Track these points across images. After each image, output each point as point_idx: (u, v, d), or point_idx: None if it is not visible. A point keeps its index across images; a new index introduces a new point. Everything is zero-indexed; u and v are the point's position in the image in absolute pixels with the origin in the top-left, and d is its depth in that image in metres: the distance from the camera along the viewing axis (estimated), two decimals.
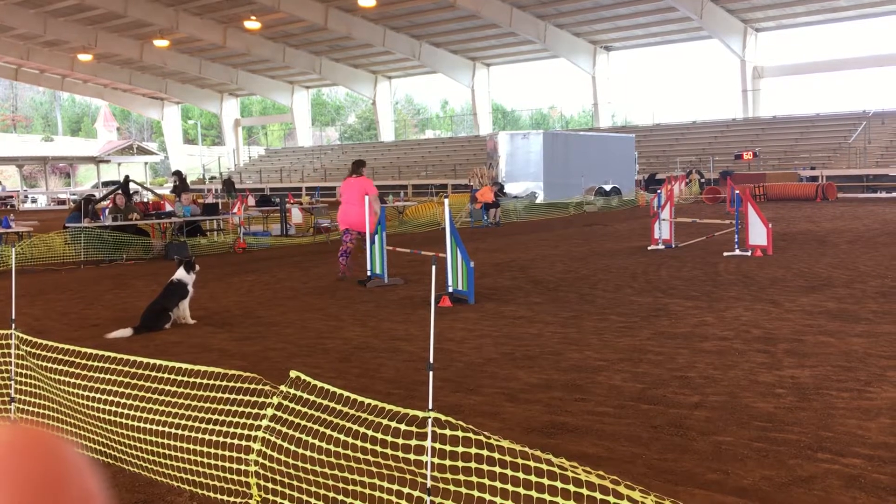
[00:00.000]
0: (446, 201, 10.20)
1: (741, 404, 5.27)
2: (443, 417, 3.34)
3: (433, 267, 3.64)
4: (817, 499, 3.77)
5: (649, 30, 48.21)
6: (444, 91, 75.75)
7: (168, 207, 20.50)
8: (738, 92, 48.01)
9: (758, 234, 13.77)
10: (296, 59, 56.87)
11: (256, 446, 3.87)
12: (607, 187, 33.14)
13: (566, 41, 50.03)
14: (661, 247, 15.20)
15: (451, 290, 9.82)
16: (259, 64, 60.02)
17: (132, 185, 32.97)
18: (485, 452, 3.33)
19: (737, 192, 14.65)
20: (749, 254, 13.55)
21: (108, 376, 4.72)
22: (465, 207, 25.32)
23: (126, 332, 8.49)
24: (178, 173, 22.89)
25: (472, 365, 6.66)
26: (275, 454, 3.85)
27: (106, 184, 35.77)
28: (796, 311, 8.45)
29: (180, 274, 9.10)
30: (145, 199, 27.56)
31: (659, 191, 19.01)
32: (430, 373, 3.42)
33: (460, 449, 3.32)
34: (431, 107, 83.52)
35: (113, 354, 4.84)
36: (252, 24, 46.43)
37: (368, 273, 11.63)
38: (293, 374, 3.97)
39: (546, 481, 3.11)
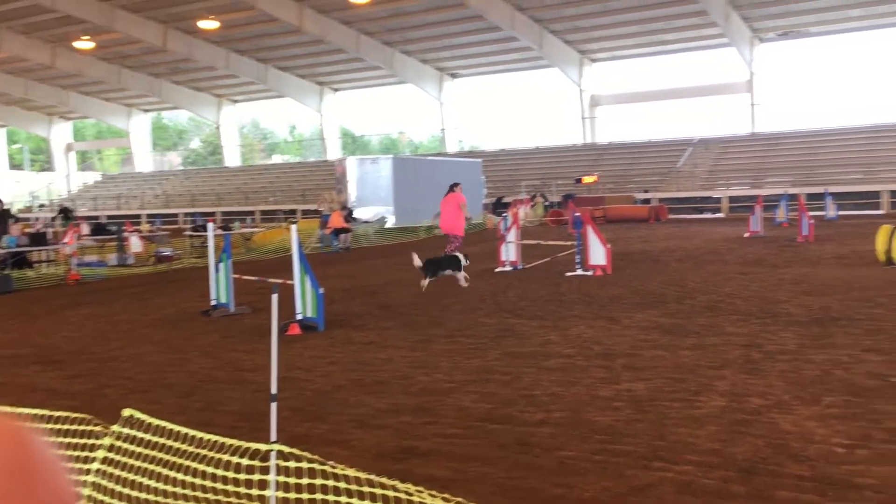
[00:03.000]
0: (293, 227, 10.04)
1: (583, 419, 5.47)
2: (286, 449, 3.25)
3: (274, 295, 3.56)
4: None
5: (493, 58, 49.79)
6: (292, 115, 74.87)
7: None
8: (578, 119, 50.39)
9: (598, 254, 14.42)
10: (133, 81, 54.57)
11: (86, 492, 3.62)
12: None
13: (413, 67, 50.80)
14: (508, 268, 15.61)
15: (300, 317, 9.65)
16: (93, 86, 57.12)
17: None
18: (331, 483, 3.26)
19: (578, 214, 15.30)
20: (590, 273, 14.16)
21: None
22: (315, 233, 25.05)
23: (419, 261, 12.50)
24: None
25: (322, 393, 6.56)
26: (106, 499, 3.61)
27: None
28: (633, 328, 8.89)
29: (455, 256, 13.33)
30: None
31: (505, 214, 19.54)
32: (273, 404, 3.33)
33: (305, 481, 3.24)
34: (279, 131, 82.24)
35: None
36: (84, 45, 44.16)
37: (213, 302, 11.24)
38: (126, 412, 3.75)
39: None
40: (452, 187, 16.98)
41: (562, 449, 4.85)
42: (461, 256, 13.27)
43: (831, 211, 29.04)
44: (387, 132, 75.77)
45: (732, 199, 37.89)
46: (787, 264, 14.78)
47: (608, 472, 4.44)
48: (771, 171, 40.14)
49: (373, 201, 32.11)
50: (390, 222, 31.46)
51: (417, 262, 12.50)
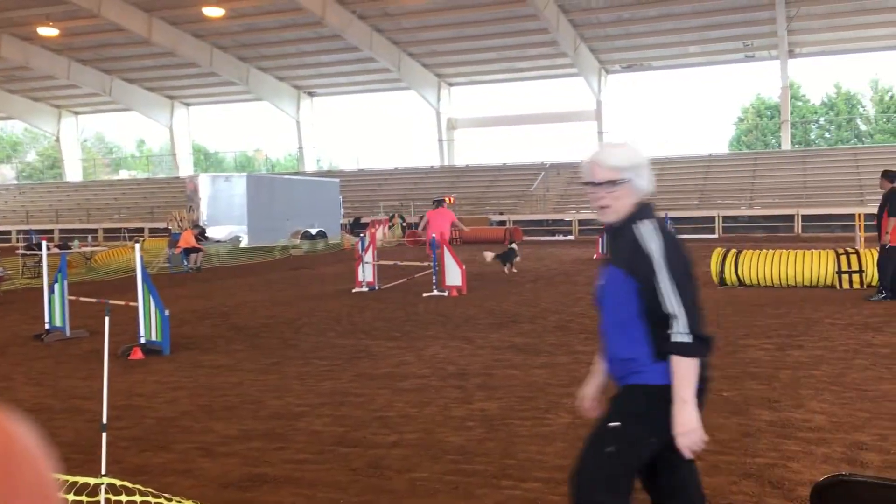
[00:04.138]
0: (137, 246, 9.55)
1: (435, 439, 5.46)
2: (118, 482, 3.04)
3: (107, 318, 3.34)
4: None
5: (352, 78, 49.76)
6: (140, 129, 71.65)
7: None
8: (435, 141, 51.10)
9: (453, 275, 14.59)
10: None
11: None
12: (313, 231, 33.34)
13: (270, 85, 49.98)
14: (365, 289, 15.52)
15: (143, 340, 9.17)
16: None
17: None
18: None
19: (434, 235, 15.44)
20: (446, 294, 14.29)
21: None
22: (164, 252, 24.01)
23: (491, 255, 16.89)
24: None
25: (164, 420, 6.23)
26: None
27: None
28: (487, 347, 9.02)
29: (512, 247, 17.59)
30: None
31: (363, 234, 19.47)
32: (104, 434, 3.11)
33: None
34: (126, 146, 78.45)
35: None
36: None
37: (47, 326, 10.50)
38: None
39: None
40: (440, 203, 19.53)
41: (414, 470, 4.82)
42: (516, 248, 18.01)
43: None
44: (242, 149, 73.97)
45: (582, 222, 39.46)
46: None
47: (459, 492, 4.44)
48: None
49: (226, 220, 31.16)
50: (244, 242, 30.63)
51: (490, 256, 17.09)
